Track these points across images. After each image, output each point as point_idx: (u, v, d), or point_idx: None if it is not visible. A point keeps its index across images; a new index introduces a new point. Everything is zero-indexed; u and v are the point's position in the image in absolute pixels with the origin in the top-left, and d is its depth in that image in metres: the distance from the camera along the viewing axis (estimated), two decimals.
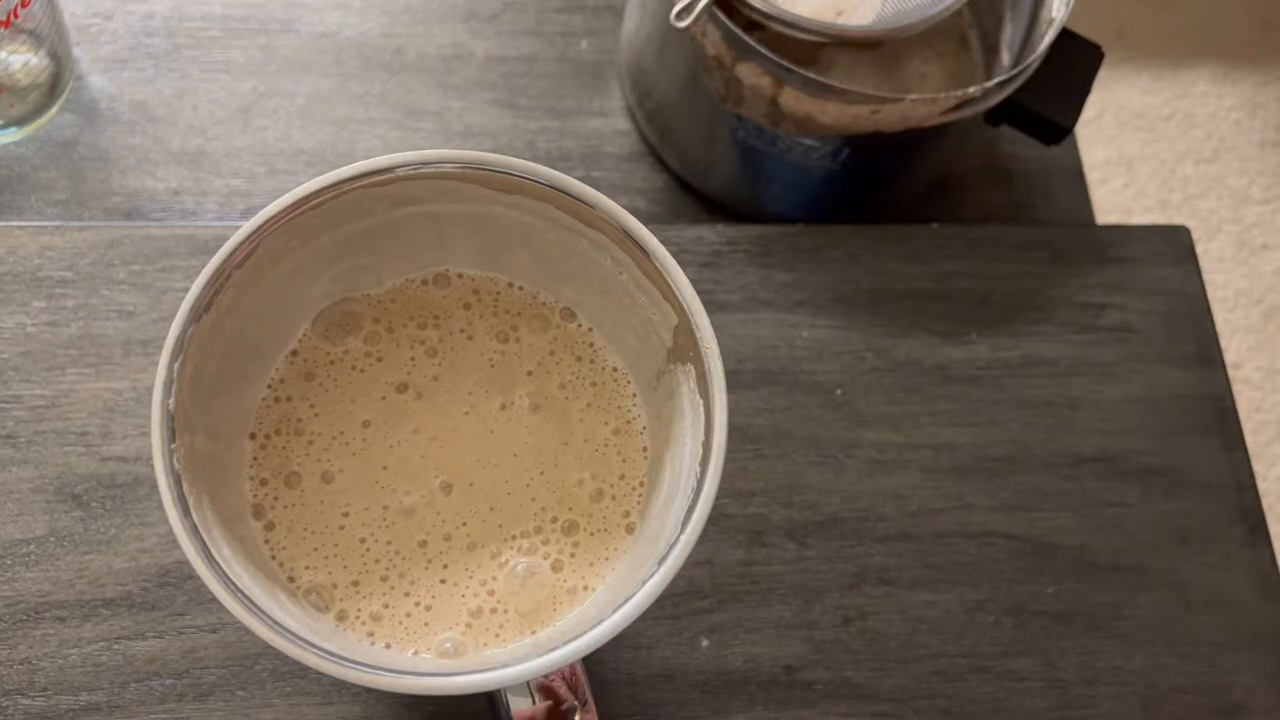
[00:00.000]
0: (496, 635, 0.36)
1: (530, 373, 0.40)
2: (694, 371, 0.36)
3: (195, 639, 0.43)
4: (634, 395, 0.40)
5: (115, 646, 0.43)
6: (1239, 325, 1.28)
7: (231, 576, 0.32)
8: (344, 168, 0.35)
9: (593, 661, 0.45)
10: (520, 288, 0.41)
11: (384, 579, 0.37)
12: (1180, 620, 0.50)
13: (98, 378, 0.47)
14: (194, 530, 0.32)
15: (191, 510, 0.32)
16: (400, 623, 0.36)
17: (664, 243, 0.35)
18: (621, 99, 0.59)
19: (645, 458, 0.39)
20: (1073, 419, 0.53)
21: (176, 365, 0.33)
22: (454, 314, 0.40)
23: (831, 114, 0.49)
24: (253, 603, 0.31)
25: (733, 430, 0.50)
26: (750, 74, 0.49)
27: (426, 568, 0.37)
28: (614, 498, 0.39)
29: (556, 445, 0.39)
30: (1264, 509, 0.53)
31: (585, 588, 0.37)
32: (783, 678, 0.46)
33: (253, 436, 0.38)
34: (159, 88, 0.55)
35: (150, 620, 0.44)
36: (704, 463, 0.34)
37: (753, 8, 0.47)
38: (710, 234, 0.53)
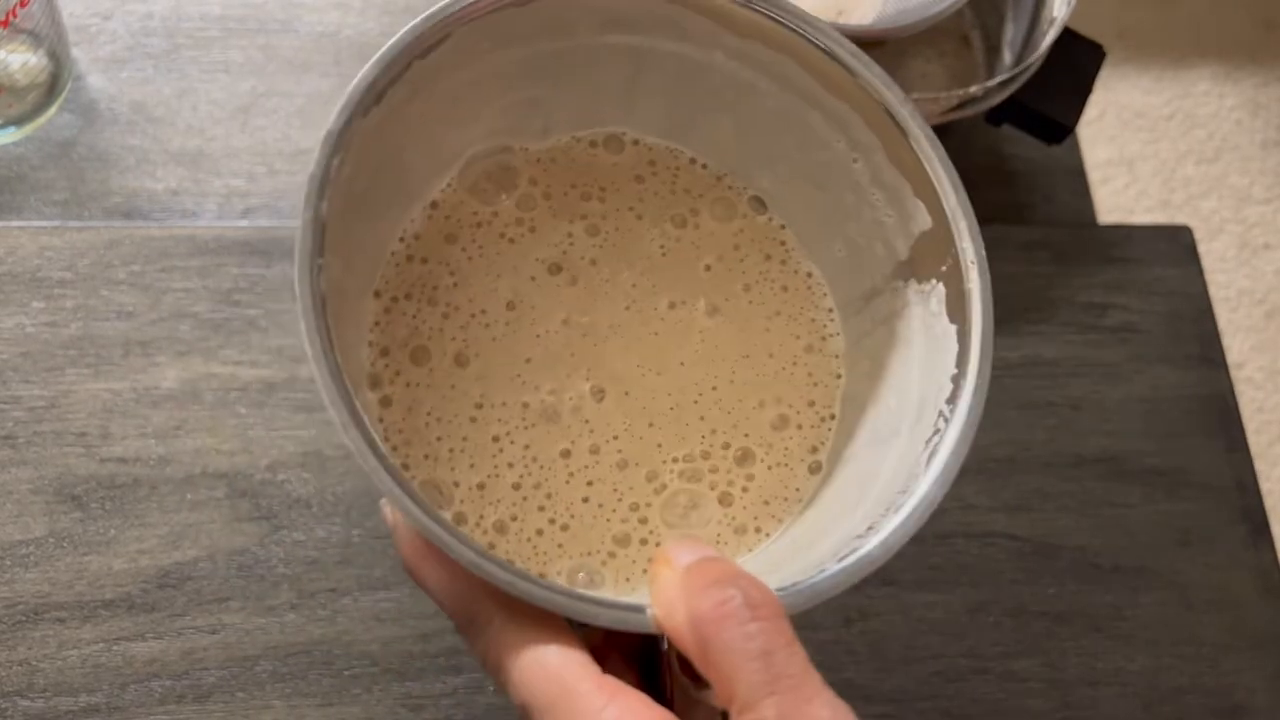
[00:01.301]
0: (644, 571, 0.31)
1: (709, 267, 0.34)
2: (944, 291, 0.30)
3: (194, 640, 0.43)
4: (830, 310, 0.34)
5: (114, 648, 0.43)
6: (1241, 325, 1.28)
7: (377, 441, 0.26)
8: None
9: None
10: (704, 165, 0.34)
11: (516, 487, 0.31)
12: (1182, 621, 0.50)
13: (97, 378, 0.47)
14: (337, 373, 0.25)
15: (335, 347, 0.26)
16: (530, 540, 0.31)
17: None
18: None
19: (839, 386, 0.33)
20: (1074, 419, 0.53)
21: (335, 162, 0.27)
22: (624, 187, 0.34)
23: None
24: (390, 469, 0.25)
25: None
26: None
27: (568, 481, 0.31)
28: (799, 427, 0.33)
29: (735, 357, 0.33)
30: (1266, 510, 0.52)
31: (758, 530, 0.32)
32: None
33: (377, 295, 0.32)
34: (158, 88, 0.55)
35: (149, 621, 0.43)
36: (953, 400, 0.29)
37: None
38: None
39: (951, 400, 0.29)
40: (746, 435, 0.32)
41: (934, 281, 0.30)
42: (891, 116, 0.30)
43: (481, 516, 0.31)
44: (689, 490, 0.32)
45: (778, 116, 0.32)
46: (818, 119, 0.31)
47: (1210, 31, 1.46)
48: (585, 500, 0.31)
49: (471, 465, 0.31)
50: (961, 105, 0.48)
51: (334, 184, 0.27)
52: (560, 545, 0.31)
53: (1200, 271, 0.57)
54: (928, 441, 0.29)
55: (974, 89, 0.47)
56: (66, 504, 0.45)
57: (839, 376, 0.33)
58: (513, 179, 0.34)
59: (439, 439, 0.31)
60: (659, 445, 0.32)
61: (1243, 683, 0.49)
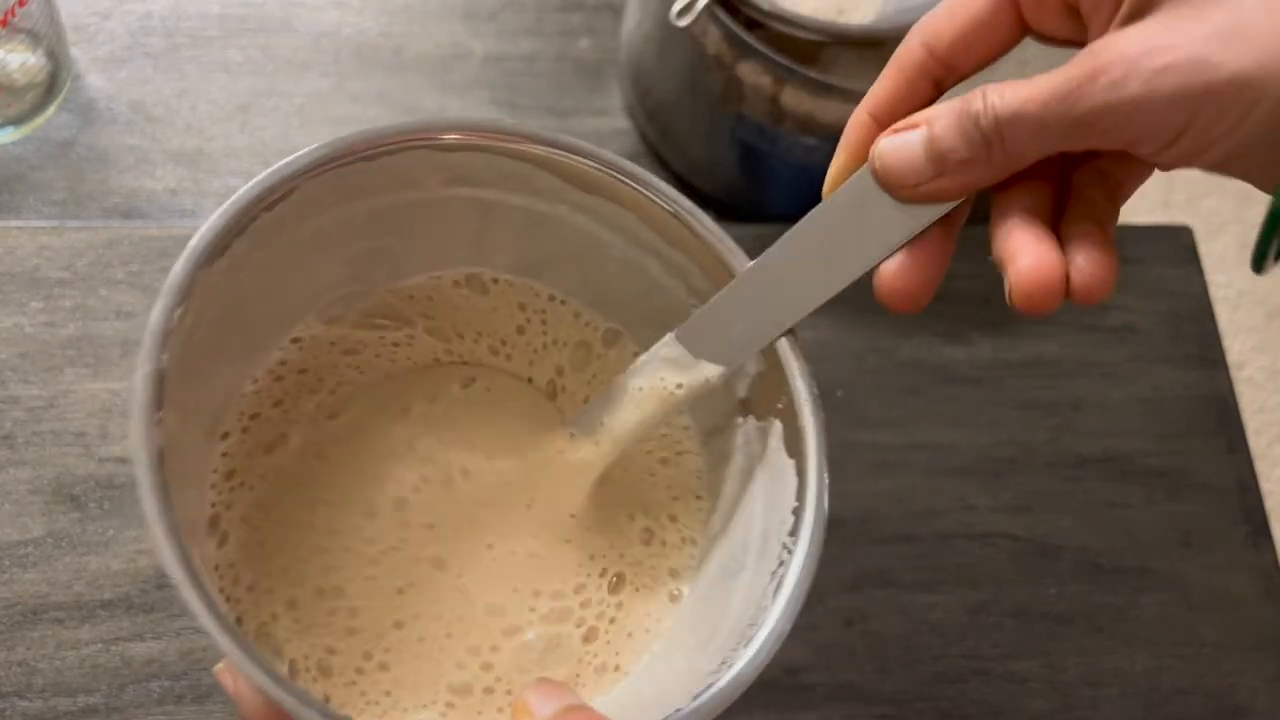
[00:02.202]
0: None
1: (573, 436, 0.33)
2: (780, 428, 0.31)
3: (193, 641, 0.43)
4: (686, 428, 0.34)
5: (113, 648, 0.43)
6: (1242, 325, 1.28)
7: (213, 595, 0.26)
8: (407, 120, 0.30)
9: None
10: (562, 302, 0.35)
11: (351, 632, 0.31)
12: (1183, 622, 0.50)
13: (95, 378, 0.46)
14: (174, 530, 0.25)
15: (173, 503, 0.26)
16: (354, 683, 0.30)
17: None
18: (621, 98, 0.58)
19: (700, 509, 0.34)
20: (1075, 420, 0.52)
21: (178, 313, 0.27)
22: (498, 329, 0.35)
23: (833, 113, 0.49)
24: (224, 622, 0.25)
25: None
26: (751, 73, 0.49)
27: (400, 627, 0.31)
28: (664, 544, 0.33)
29: (593, 480, 0.33)
30: (1267, 510, 0.52)
31: (618, 668, 0.31)
32: (784, 680, 0.46)
33: (224, 436, 0.32)
34: (157, 87, 0.55)
35: (148, 622, 0.43)
36: (795, 532, 0.29)
37: (753, 6, 0.47)
38: None
39: (794, 533, 0.29)
40: (621, 556, 0.32)
41: (771, 419, 0.31)
42: (726, 267, 0.31)
43: (306, 656, 0.31)
44: (552, 632, 0.31)
45: (622, 265, 0.33)
46: (658, 268, 0.32)
47: None
48: (420, 642, 0.31)
49: (303, 612, 0.31)
50: None
51: (175, 335, 0.27)
52: (389, 693, 0.30)
53: (1200, 271, 0.57)
54: (773, 574, 0.29)
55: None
56: (65, 504, 0.45)
57: (699, 498, 0.34)
58: (371, 319, 0.34)
59: (272, 579, 0.31)
60: (515, 589, 0.32)
61: (1244, 683, 0.49)
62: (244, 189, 0.29)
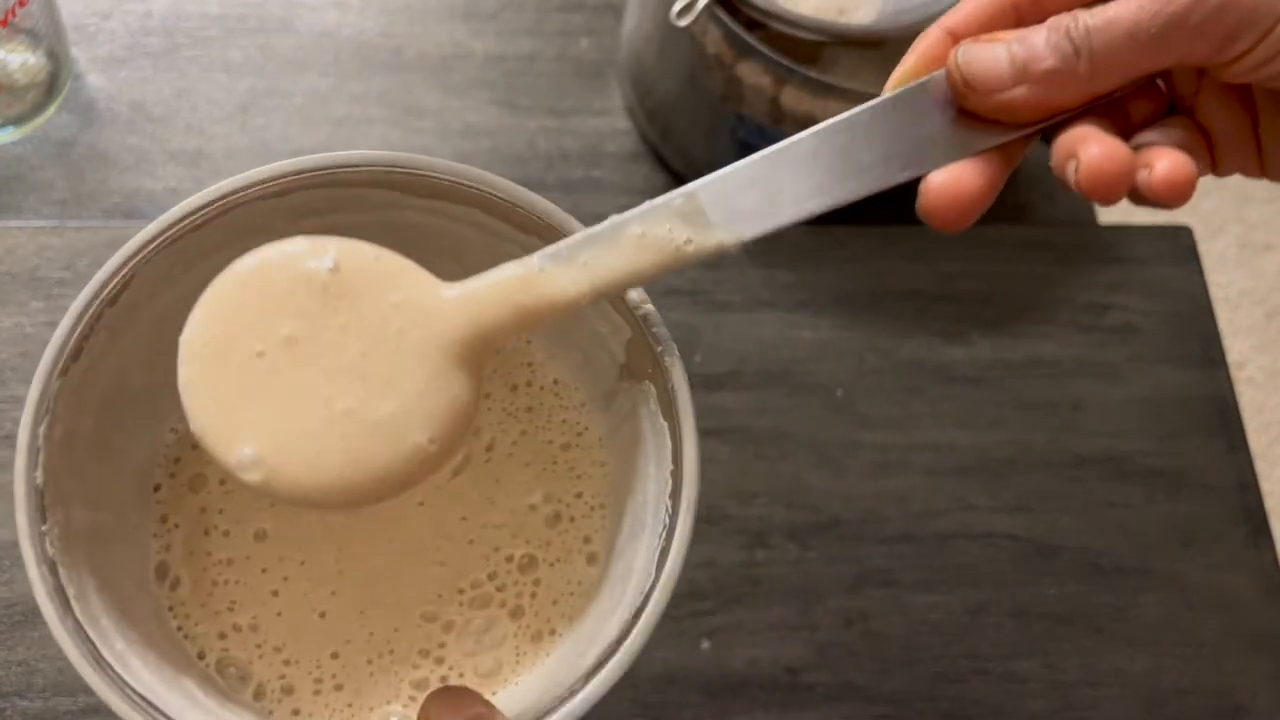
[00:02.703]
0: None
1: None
2: (654, 391, 0.32)
3: None
4: (583, 405, 0.36)
5: None
6: (1242, 325, 1.28)
7: (128, 678, 0.28)
8: (232, 178, 0.30)
9: None
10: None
11: (316, 657, 0.33)
12: (1183, 621, 0.50)
13: None
14: (77, 630, 0.27)
15: (73, 603, 0.28)
16: (325, 699, 0.33)
17: None
18: (622, 98, 0.58)
19: (604, 474, 0.35)
20: (1075, 420, 0.52)
21: (41, 430, 0.28)
22: None
23: (833, 113, 0.48)
24: (156, 709, 0.28)
25: (733, 431, 0.50)
26: (751, 73, 0.49)
27: (348, 642, 0.33)
28: (572, 519, 0.35)
29: (494, 479, 0.35)
30: (1267, 510, 0.52)
31: (553, 632, 0.34)
32: (784, 680, 0.46)
33: (157, 489, 0.34)
34: (157, 87, 0.55)
35: None
36: (674, 495, 0.30)
37: (754, 6, 0.47)
38: None
39: (674, 495, 0.30)
40: (527, 541, 0.34)
41: (645, 383, 0.32)
42: (556, 228, 0.31)
43: (268, 679, 0.33)
44: (481, 616, 0.34)
45: (485, 252, 0.32)
46: (517, 252, 0.31)
47: None
48: (367, 663, 0.33)
49: (262, 635, 0.33)
50: None
51: (46, 448, 0.28)
52: (350, 704, 0.33)
53: (1200, 271, 0.57)
54: (660, 535, 0.30)
55: None
56: None
57: (604, 465, 0.35)
58: None
59: (232, 613, 0.33)
60: (439, 595, 0.34)
61: (1244, 683, 0.49)
62: (82, 294, 0.30)
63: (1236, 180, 0.28)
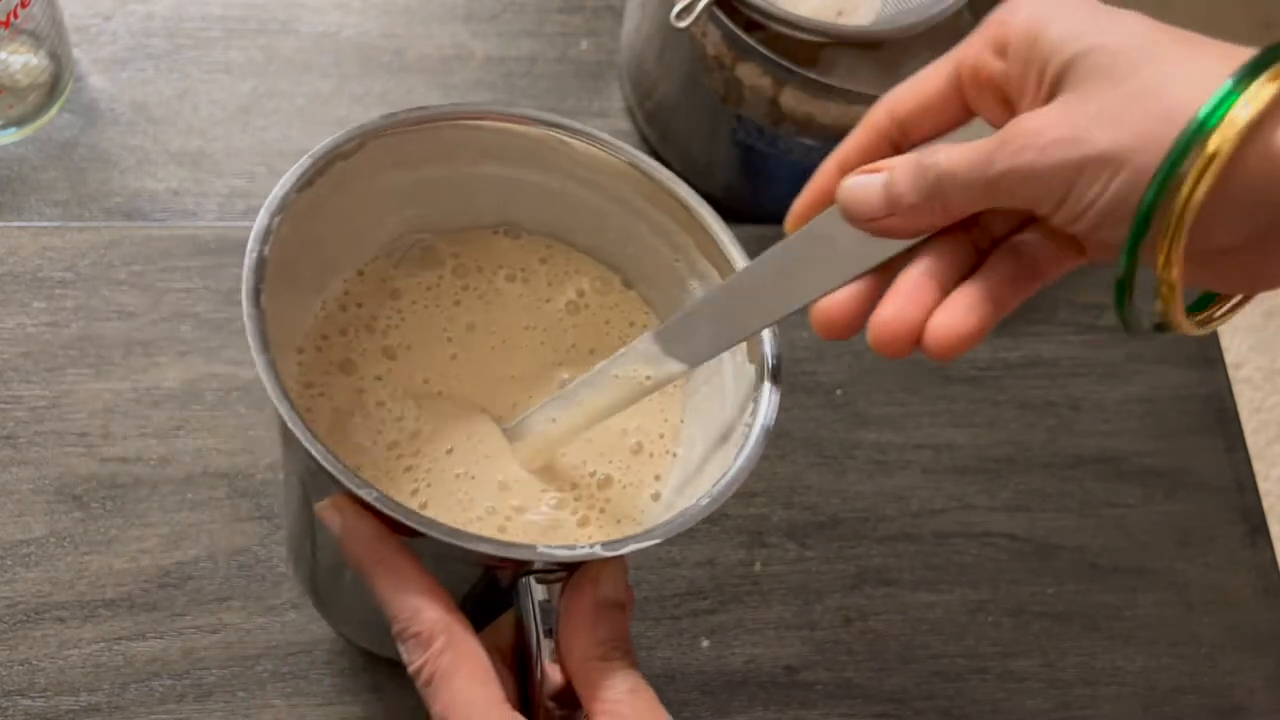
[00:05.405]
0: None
1: (577, 325, 0.41)
2: (744, 344, 0.36)
3: (195, 640, 0.43)
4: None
5: (115, 647, 0.43)
6: (1239, 325, 1.28)
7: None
8: (458, 104, 0.37)
9: None
10: (586, 252, 0.42)
11: (414, 492, 0.37)
12: (1181, 621, 0.50)
13: (98, 378, 0.47)
14: (272, 369, 0.31)
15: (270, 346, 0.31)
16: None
17: None
18: (621, 99, 0.59)
19: (682, 429, 0.39)
20: (1073, 419, 0.53)
21: (276, 220, 0.33)
22: (527, 265, 0.41)
23: (832, 114, 0.49)
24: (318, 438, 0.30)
25: None
26: (750, 74, 0.49)
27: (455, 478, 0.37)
28: (651, 455, 0.39)
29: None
30: (1264, 509, 0.53)
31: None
32: (783, 678, 0.46)
33: (300, 350, 0.37)
34: (159, 88, 0.55)
35: (150, 621, 0.43)
36: (754, 414, 0.34)
37: (753, 8, 0.47)
38: None
39: (753, 414, 0.34)
40: (610, 461, 0.38)
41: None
42: (701, 225, 0.37)
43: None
44: (552, 516, 0.37)
45: (618, 232, 0.39)
46: (645, 230, 0.39)
47: (1209, 32, 1.45)
48: (455, 479, 0.37)
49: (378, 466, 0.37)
50: None
51: (275, 234, 0.33)
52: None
53: None
54: (738, 448, 0.34)
55: None
56: (67, 503, 0.45)
57: (682, 421, 0.40)
58: (412, 268, 0.40)
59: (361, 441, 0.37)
60: (520, 478, 0.37)
61: (1241, 682, 0.49)
62: (325, 141, 0.34)
63: None
